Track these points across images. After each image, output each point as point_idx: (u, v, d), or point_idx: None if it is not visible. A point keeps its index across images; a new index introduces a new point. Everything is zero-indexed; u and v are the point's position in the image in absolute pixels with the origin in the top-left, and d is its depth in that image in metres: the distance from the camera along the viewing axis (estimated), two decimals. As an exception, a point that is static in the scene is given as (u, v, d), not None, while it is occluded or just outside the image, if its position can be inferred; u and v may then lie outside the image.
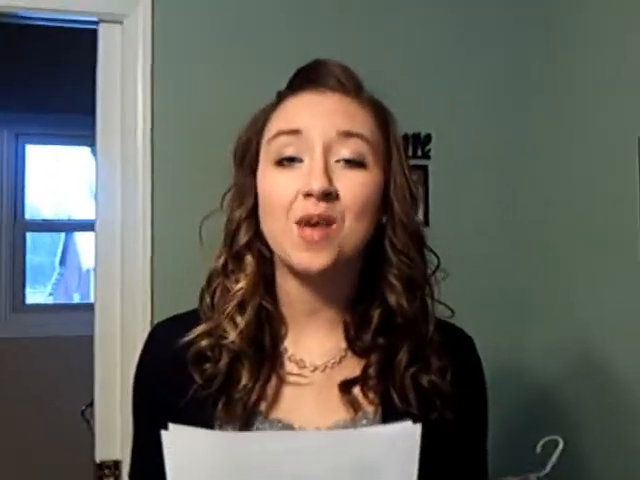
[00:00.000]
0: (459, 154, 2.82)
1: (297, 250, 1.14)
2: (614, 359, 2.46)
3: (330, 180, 1.13)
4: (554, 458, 2.37)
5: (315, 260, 1.13)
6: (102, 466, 2.41)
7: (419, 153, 2.74)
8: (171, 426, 0.98)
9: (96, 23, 2.47)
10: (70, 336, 4.43)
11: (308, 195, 1.12)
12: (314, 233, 1.12)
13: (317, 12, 2.68)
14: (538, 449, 2.42)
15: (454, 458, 1.22)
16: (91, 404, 2.55)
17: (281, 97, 1.25)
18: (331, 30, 2.65)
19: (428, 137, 2.75)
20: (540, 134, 2.85)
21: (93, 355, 2.47)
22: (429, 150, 2.76)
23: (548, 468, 2.37)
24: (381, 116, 1.24)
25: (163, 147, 2.48)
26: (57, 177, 5.41)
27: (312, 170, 1.13)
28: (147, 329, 2.32)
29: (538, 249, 2.85)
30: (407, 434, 0.95)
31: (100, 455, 2.43)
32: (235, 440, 1.01)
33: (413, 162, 2.56)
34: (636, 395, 2.37)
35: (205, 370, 1.19)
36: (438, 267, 1.28)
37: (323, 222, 1.13)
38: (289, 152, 1.16)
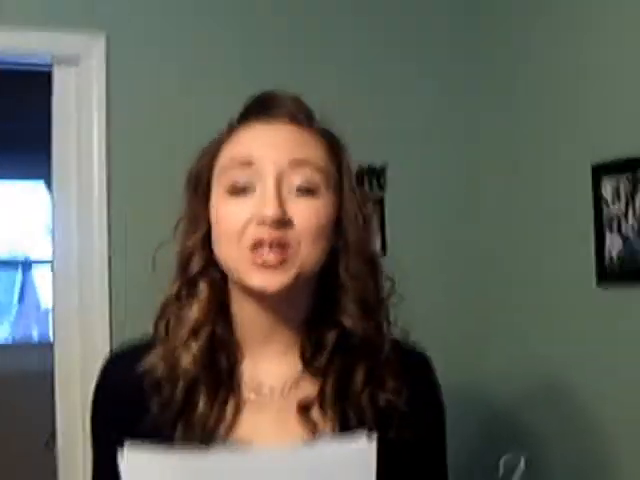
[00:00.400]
0: (413, 185, 2.87)
1: (252, 272, 1.14)
2: (573, 378, 2.51)
3: (283, 208, 1.13)
4: (516, 477, 2.41)
5: (273, 280, 1.13)
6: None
7: (374, 184, 2.78)
8: (127, 448, 0.98)
9: (50, 66, 2.49)
10: (29, 371, 4.41)
11: (261, 223, 1.12)
12: (269, 257, 1.12)
13: (269, 44, 2.73)
14: (500, 467, 2.45)
15: (413, 477, 1.23)
16: (53, 434, 2.55)
17: (233, 127, 1.25)
18: (283, 62, 2.69)
19: (383, 169, 2.79)
20: (493, 164, 2.92)
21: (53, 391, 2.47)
22: (384, 182, 2.80)
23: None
24: (332, 145, 1.25)
25: (119, 185, 2.49)
26: (14, 214, 5.37)
27: (265, 198, 1.13)
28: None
29: (494, 275, 2.91)
30: (362, 450, 0.95)
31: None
32: (190, 460, 1.00)
33: (368, 194, 2.60)
34: (595, 412, 2.43)
35: (162, 397, 1.18)
36: (392, 291, 1.28)
37: (277, 247, 1.13)
38: (241, 182, 1.16)
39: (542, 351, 2.66)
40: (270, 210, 1.11)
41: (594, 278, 2.40)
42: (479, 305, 2.93)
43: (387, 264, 1.30)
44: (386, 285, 1.27)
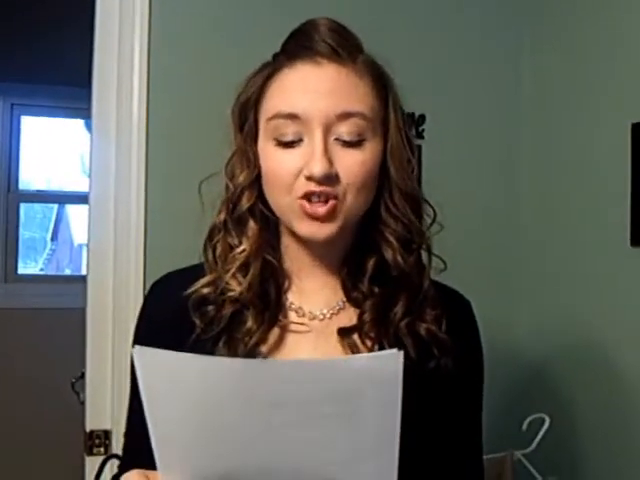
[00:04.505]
0: (453, 135, 2.84)
1: (302, 221, 1.19)
2: (600, 338, 2.49)
3: (330, 161, 1.16)
4: (540, 436, 2.40)
5: (321, 231, 1.18)
6: (92, 435, 2.43)
7: (413, 133, 2.73)
8: (138, 348, 0.97)
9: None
10: (61, 308, 4.44)
11: (310, 179, 1.16)
12: (318, 209, 1.17)
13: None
14: (524, 427, 2.46)
15: (450, 410, 1.26)
16: (81, 376, 2.57)
17: (277, 65, 1.25)
18: (328, 9, 2.61)
19: (422, 117, 2.76)
20: (533, 117, 2.88)
21: (84, 327, 2.47)
22: (423, 130, 2.77)
23: (533, 445, 2.41)
24: (379, 82, 1.25)
25: (159, 120, 2.47)
26: (50, 149, 5.37)
27: (312, 154, 1.16)
28: (139, 302, 2.34)
29: (528, 230, 2.88)
30: (388, 361, 0.93)
31: (90, 425, 2.45)
32: (208, 364, 0.98)
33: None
34: (622, 373, 2.40)
35: (207, 313, 1.23)
36: (434, 220, 1.32)
37: (325, 197, 1.17)
38: (289, 136, 1.18)
39: (574, 311, 2.64)
40: (318, 167, 1.14)
41: (629, 238, 2.36)
42: (512, 262, 2.91)
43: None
44: (428, 216, 1.32)
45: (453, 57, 2.86)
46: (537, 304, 2.83)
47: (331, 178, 1.16)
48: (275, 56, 1.28)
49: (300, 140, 1.18)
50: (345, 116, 1.17)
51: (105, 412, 2.43)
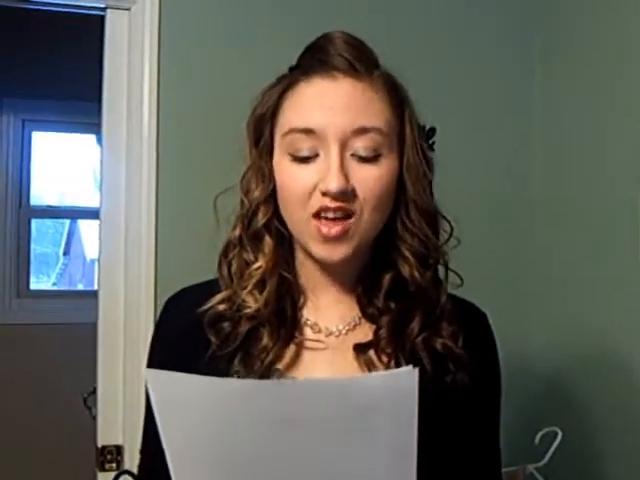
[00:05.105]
0: (464, 147, 2.82)
1: (316, 242, 1.17)
2: (613, 351, 2.46)
3: (346, 177, 1.14)
4: (552, 449, 2.38)
5: (334, 252, 1.17)
6: (104, 451, 2.42)
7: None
8: (151, 371, 0.97)
9: (103, 9, 2.47)
10: (73, 323, 4.44)
11: (325, 194, 1.14)
12: (332, 229, 1.15)
13: (320, 1, 2.69)
14: (537, 441, 2.43)
15: (468, 425, 1.24)
16: (93, 392, 2.57)
17: (292, 79, 1.24)
18: (333, 21, 2.60)
19: (432, 130, 2.75)
20: (543, 125, 2.87)
21: (96, 342, 2.47)
22: (433, 143, 2.76)
23: (546, 459, 2.39)
24: (395, 96, 1.24)
25: (169, 135, 2.47)
26: (62, 165, 5.38)
27: (328, 169, 1.14)
28: (150, 317, 2.36)
29: (538, 243, 2.86)
30: (404, 378, 0.93)
31: (102, 440, 2.44)
32: (221, 386, 0.98)
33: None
34: (633, 384, 2.37)
35: (223, 330, 1.22)
36: (451, 235, 1.31)
37: (340, 215, 1.15)
38: (304, 151, 1.17)
39: (583, 319, 2.62)
40: (334, 183, 1.13)
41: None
42: (521, 268, 2.90)
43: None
44: (445, 231, 1.31)
45: (463, 68, 2.85)
46: (547, 313, 2.81)
47: (347, 194, 1.14)
48: (291, 69, 1.28)
49: (316, 155, 1.16)
50: (361, 131, 1.16)
51: (117, 427, 2.43)
